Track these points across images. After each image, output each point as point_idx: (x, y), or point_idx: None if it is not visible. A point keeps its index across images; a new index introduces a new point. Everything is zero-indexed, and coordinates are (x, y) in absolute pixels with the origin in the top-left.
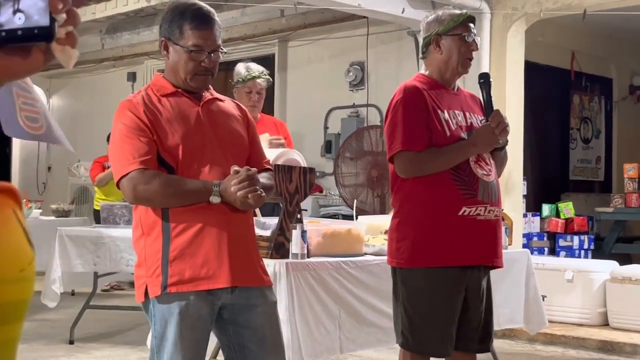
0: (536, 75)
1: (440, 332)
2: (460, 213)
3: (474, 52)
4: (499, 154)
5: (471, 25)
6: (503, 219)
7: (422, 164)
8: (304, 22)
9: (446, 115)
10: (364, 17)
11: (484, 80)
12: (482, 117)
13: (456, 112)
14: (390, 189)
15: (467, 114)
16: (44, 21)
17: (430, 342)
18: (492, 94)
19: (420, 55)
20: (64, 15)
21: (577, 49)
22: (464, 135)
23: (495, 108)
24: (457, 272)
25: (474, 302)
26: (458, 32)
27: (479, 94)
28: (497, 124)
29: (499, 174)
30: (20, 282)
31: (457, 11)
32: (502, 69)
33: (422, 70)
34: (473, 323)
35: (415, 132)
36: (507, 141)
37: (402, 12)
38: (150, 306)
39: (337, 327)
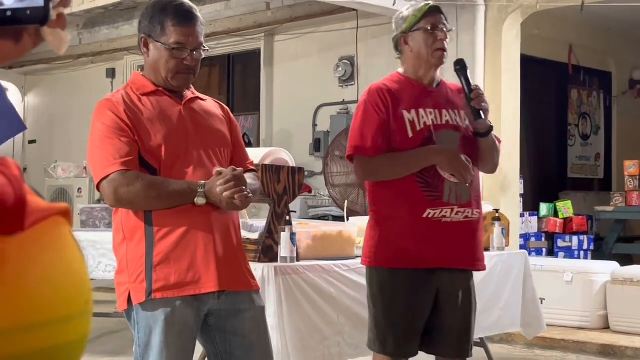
0: (533, 69)
1: (401, 332)
2: (425, 215)
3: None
4: (485, 141)
5: (438, 15)
6: (498, 219)
7: (376, 169)
8: (290, 15)
9: (411, 115)
10: (354, 9)
11: (460, 67)
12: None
13: (427, 110)
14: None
15: (444, 112)
16: (38, 1)
17: (390, 341)
18: (470, 79)
19: (396, 55)
20: None
21: (575, 42)
22: (433, 135)
23: (474, 85)
24: (422, 273)
25: (448, 305)
26: (422, 25)
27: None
28: (477, 97)
29: (492, 166)
30: (84, 316)
31: (422, 4)
32: (498, 64)
33: (399, 69)
34: (446, 327)
35: (369, 137)
36: (489, 126)
37: (394, 5)
38: (133, 314)
39: (337, 333)
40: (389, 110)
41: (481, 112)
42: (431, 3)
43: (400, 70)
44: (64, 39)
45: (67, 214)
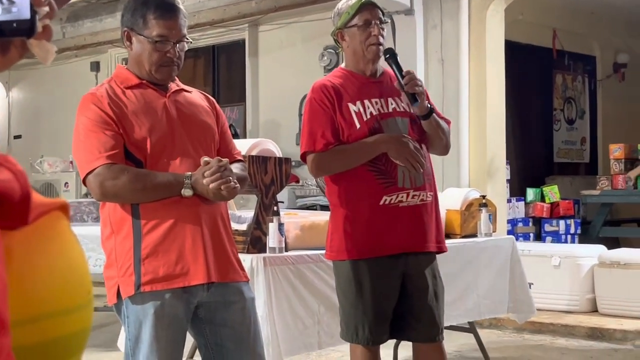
0: (517, 55)
1: (371, 320)
2: (382, 203)
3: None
4: (428, 124)
5: (372, 10)
6: (485, 205)
7: (328, 164)
8: (274, 5)
9: (357, 107)
10: None
11: (389, 55)
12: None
13: (373, 100)
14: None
15: (390, 100)
16: (24, 14)
17: (362, 330)
18: (401, 65)
19: (338, 48)
20: (46, 8)
21: (558, 26)
22: (381, 124)
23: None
24: (387, 260)
25: (414, 289)
26: (355, 22)
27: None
28: (410, 84)
29: (442, 147)
30: (87, 306)
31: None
32: (482, 50)
33: (342, 64)
34: (414, 312)
35: (318, 133)
36: (427, 108)
37: None
38: (123, 308)
39: (316, 322)
40: (334, 105)
41: (416, 96)
42: None
43: (343, 64)
44: (50, 50)
45: (65, 209)
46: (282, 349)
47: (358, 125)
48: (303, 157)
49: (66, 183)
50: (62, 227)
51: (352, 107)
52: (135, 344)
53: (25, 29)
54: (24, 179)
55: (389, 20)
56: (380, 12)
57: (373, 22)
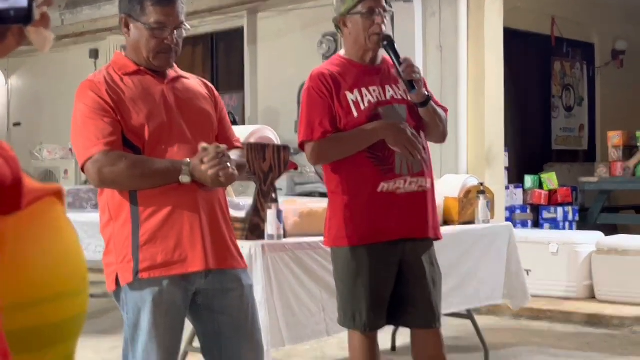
0: (516, 42)
1: (368, 306)
2: (380, 189)
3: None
4: (426, 111)
5: None
6: (483, 192)
7: (326, 152)
8: None
9: (355, 96)
10: None
11: (387, 43)
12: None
13: (371, 89)
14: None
15: (387, 87)
16: (22, 1)
17: (359, 316)
18: (399, 52)
19: (338, 34)
20: None
21: (557, 14)
22: (379, 111)
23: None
24: (384, 247)
25: (411, 276)
26: (358, 10)
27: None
28: (409, 72)
29: (439, 134)
30: (82, 292)
31: None
32: (481, 37)
33: (340, 51)
34: (411, 298)
35: (316, 121)
36: (425, 95)
37: None
38: (122, 295)
39: (321, 309)
40: (331, 93)
41: (413, 83)
42: None
43: (342, 52)
44: (47, 37)
45: (60, 195)
46: (285, 336)
47: (356, 114)
48: (301, 145)
49: (66, 170)
50: (56, 213)
51: (350, 96)
52: (134, 330)
53: (23, 17)
54: (15, 164)
55: (393, 9)
56: (384, 0)
57: (377, 10)
